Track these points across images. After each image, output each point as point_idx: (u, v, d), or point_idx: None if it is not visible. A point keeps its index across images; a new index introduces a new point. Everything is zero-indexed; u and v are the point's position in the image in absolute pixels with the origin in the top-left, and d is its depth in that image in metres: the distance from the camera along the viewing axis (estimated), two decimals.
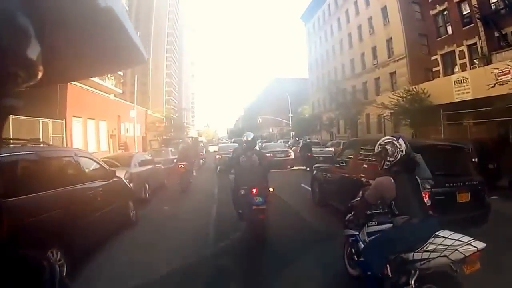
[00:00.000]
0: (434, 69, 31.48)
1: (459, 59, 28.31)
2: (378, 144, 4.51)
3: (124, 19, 0.70)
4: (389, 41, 40.09)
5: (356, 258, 5.02)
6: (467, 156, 9.21)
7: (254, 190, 7.77)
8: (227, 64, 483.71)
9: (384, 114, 29.66)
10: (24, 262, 0.79)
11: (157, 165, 16.00)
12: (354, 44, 49.02)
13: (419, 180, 4.42)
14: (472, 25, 26.64)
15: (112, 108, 32.26)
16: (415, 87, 26.35)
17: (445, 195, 6.74)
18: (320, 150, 25.93)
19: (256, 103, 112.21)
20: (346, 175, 9.51)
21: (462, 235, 3.73)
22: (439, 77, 29.77)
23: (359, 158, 9.42)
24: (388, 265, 4.08)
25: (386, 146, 4.37)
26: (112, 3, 0.65)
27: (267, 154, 16.19)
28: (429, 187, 6.51)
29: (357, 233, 5.01)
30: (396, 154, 4.30)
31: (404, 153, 4.30)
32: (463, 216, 6.44)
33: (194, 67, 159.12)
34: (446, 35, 29.72)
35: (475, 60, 26.94)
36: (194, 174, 19.54)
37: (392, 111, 27.68)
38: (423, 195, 4.76)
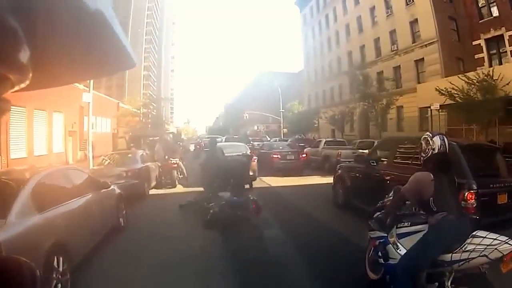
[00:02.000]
0: (476, 56, 26.89)
1: (509, 45, 24.41)
2: (420, 139, 4.60)
3: (114, 23, 0.70)
4: (413, 23, 34.40)
5: (383, 261, 4.80)
6: (502, 156, 8.41)
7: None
8: (208, 59, 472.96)
9: (433, 107, 23.34)
10: (5, 265, 0.80)
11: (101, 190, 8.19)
12: (365, 28, 43.11)
13: (456, 180, 4.53)
14: None
15: (72, 97, 22.07)
16: (489, 72, 20.44)
17: (488, 196, 6.63)
18: (353, 153, 19.03)
19: (239, 99, 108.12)
20: (380, 176, 9.21)
21: (498, 235, 3.85)
22: (483, 65, 25.16)
23: (397, 157, 9.33)
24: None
25: (422, 142, 4.51)
26: (102, 7, 0.65)
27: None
28: (475, 188, 6.39)
29: (386, 234, 4.87)
30: (427, 151, 4.40)
31: (436, 151, 4.36)
32: (503, 218, 6.49)
33: (174, 61, 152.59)
34: (491, 17, 25.56)
35: None
36: None
37: (453, 101, 21.52)
38: (470, 196, 5.86)
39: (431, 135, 4.51)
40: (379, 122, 31.16)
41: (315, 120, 49.87)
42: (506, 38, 24.48)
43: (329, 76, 52.73)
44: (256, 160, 17.35)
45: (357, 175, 10.62)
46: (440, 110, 23.84)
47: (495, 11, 25.29)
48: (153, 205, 12.50)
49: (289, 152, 21.78)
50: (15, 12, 0.56)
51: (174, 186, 15.86)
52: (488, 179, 7.00)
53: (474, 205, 6.13)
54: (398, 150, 9.56)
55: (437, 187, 4.15)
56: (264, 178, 17.94)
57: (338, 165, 12.74)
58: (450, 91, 21.02)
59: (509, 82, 19.02)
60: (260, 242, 7.97)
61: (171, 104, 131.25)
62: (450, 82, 21.40)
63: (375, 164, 9.75)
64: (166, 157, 16.66)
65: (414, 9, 33.93)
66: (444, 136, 4.50)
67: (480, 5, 26.37)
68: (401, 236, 4.60)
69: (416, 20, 33.85)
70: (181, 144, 31.55)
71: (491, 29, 25.46)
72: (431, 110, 24.08)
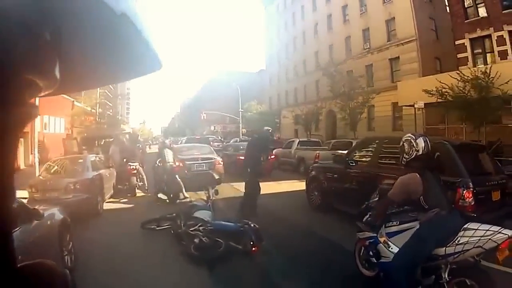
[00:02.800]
0: (459, 56, 26.27)
1: (497, 46, 23.93)
2: (401, 140, 4.75)
3: (139, 25, 0.69)
4: (389, 21, 33.49)
5: (375, 260, 4.87)
6: (489, 154, 8.78)
7: None
8: (164, 56, 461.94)
9: (417, 105, 22.08)
10: (37, 270, 0.81)
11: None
12: (335, 27, 41.75)
13: (440, 177, 4.66)
14: None
15: None
16: (485, 69, 19.56)
17: (484, 194, 6.78)
18: (332, 155, 16.75)
19: (197, 99, 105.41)
20: (362, 176, 9.17)
21: (490, 225, 3.97)
22: (466, 64, 24.59)
23: (381, 157, 9.15)
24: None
25: (405, 144, 4.61)
26: (127, 10, 0.65)
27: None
28: (471, 186, 6.51)
29: (375, 234, 4.95)
30: (411, 152, 4.53)
31: (420, 153, 4.49)
32: (497, 214, 6.71)
33: None
34: (478, 17, 25.17)
35: None
36: None
37: (441, 100, 20.72)
38: (467, 194, 6.05)
39: (414, 136, 4.64)
40: (354, 121, 29.92)
41: (277, 120, 48.87)
42: (494, 38, 24.09)
43: (294, 76, 51.57)
44: (222, 163, 16.15)
45: (335, 176, 10.35)
46: (417, 109, 23.29)
47: (482, 12, 24.95)
48: (109, 227, 9.65)
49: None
50: (42, 17, 0.56)
51: (134, 195, 13.76)
52: (483, 177, 7.25)
53: (472, 203, 6.27)
54: (382, 149, 9.28)
55: (426, 186, 4.28)
56: (234, 184, 15.86)
57: (311, 166, 12.57)
58: (441, 89, 20.24)
59: (508, 81, 17.94)
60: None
61: (127, 104, 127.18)
62: (440, 81, 20.50)
63: (353, 164, 9.64)
64: (125, 160, 14.67)
65: (392, 8, 33.02)
66: (426, 137, 4.65)
67: (466, 5, 25.98)
68: (391, 235, 4.70)
69: (393, 18, 32.90)
70: (140, 146, 28.59)
71: (478, 29, 25.04)
72: (415, 108, 22.95)
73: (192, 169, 14.99)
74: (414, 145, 4.49)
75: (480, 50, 25.41)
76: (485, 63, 23.42)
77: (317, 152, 19.98)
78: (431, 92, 20.47)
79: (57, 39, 0.62)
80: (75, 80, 0.81)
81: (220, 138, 46.73)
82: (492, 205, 6.93)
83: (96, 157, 13.29)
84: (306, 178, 12.06)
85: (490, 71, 18.82)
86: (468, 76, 19.39)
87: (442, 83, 20.07)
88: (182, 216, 7.76)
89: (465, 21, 25.81)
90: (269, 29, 62.30)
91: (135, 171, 14.10)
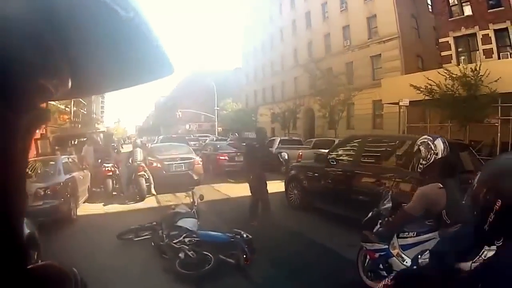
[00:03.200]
0: (443, 54, 26.46)
1: (482, 44, 24.01)
2: (415, 144, 4.21)
3: (148, 28, 0.67)
4: (371, 19, 32.93)
5: (386, 274, 4.23)
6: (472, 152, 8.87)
7: None
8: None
9: (402, 103, 21.74)
10: (47, 271, 0.82)
11: None
12: (314, 24, 40.90)
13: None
14: (502, 8, 22.90)
15: None
16: (474, 67, 19.11)
17: None
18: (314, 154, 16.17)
19: (172, 97, 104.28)
20: (346, 175, 9.06)
21: None
22: (450, 62, 24.70)
23: (365, 156, 9.25)
24: None
25: (420, 147, 4.04)
26: (136, 13, 0.63)
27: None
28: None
29: (386, 246, 4.38)
30: (429, 157, 3.96)
31: (439, 156, 3.93)
32: None
33: None
34: (463, 16, 25.31)
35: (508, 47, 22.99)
36: None
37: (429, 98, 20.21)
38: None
39: (431, 138, 4.06)
40: (334, 119, 29.52)
41: (254, 118, 47.95)
42: (479, 37, 24.13)
43: (271, 73, 50.75)
44: (201, 163, 15.48)
45: (316, 174, 10.22)
46: (401, 107, 23.45)
47: (467, 10, 25.03)
48: (83, 236, 8.56)
49: (238, 153, 18.96)
50: (53, 22, 0.57)
51: (110, 198, 12.68)
52: (466, 175, 6.97)
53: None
54: (365, 148, 9.33)
55: (450, 198, 3.74)
56: (215, 186, 15.26)
57: (291, 166, 12.30)
58: (430, 86, 19.85)
59: (498, 79, 17.60)
60: None
61: (102, 103, 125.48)
62: (427, 78, 20.13)
63: (335, 163, 9.47)
64: (99, 161, 13.78)
65: (373, 5, 32.46)
66: (444, 139, 4.12)
67: (451, 3, 26.00)
68: (406, 247, 4.19)
69: (375, 16, 32.33)
70: (115, 145, 27.11)
71: (462, 27, 25.04)
72: (400, 106, 22.80)
73: (170, 169, 14.28)
74: (432, 147, 3.96)
75: (464, 49, 25.47)
76: (470, 61, 23.08)
77: (300, 151, 19.39)
78: (420, 89, 19.98)
79: (68, 43, 0.61)
80: (86, 85, 0.79)
81: (197, 136, 45.27)
82: None
83: (69, 158, 12.15)
84: (285, 178, 11.79)
85: (479, 69, 18.48)
86: (456, 74, 19.03)
87: (430, 80, 19.66)
88: (164, 225, 6.71)
89: (449, 19, 25.83)
90: (246, 26, 61.40)
91: (110, 173, 13.06)
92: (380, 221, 4.58)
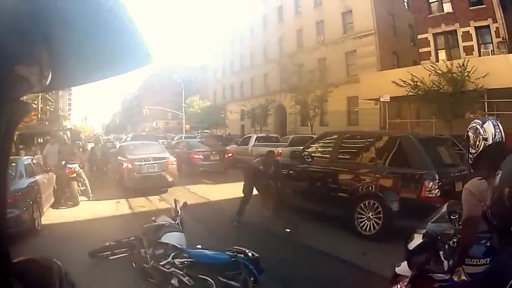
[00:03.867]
0: (421, 50, 26.40)
1: (463, 41, 24.07)
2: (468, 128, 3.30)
3: (128, 18, 0.71)
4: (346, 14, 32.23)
5: None
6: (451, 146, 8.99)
7: None
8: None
9: (382, 99, 20.92)
10: (31, 265, 0.84)
11: None
12: (287, 19, 39.94)
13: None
14: (484, 6, 23.06)
15: None
16: (463, 63, 18.74)
17: (449, 185, 6.96)
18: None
19: (138, 94, 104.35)
20: (322, 172, 8.99)
21: None
22: (429, 59, 24.38)
23: (341, 152, 9.17)
24: None
25: (469, 133, 3.14)
26: (116, 5, 0.67)
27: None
28: (437, 178, 6.72)
29: (447, 276, 3.13)
30: (478, 144, 3.06)
31: (489, 142, 3.00)
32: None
33: None
34: (443, 13, 25.37)
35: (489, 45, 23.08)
36: None
37: (411, 92, 19.85)
38: (433, 185, 6.04)
39: (480, 122, 3.09)
40: (308, 116, 28.87)
41: (223, 115, 46.97)
42: (459, 34, 24.10)
43: (240, 70, 49.54)
44: (175, 163, 14.20)
45: (291, 172, 9.86)
46: (381, 103, 23.01)
47: (447, 7, 24.99)
48: (49, 250, 6.87)
49: (213, 152, 18.31)
50: (31, 12, 0.57)
51: (76, 204, 11.25)
52: (447, 169, 7.52)
53: (438, 195, 6.38)
54: (342, 144, 9.23)
55: (495, 194, 2.83)
56: (190, 188, 14.13)
57: (255, 160, 11.51)
58: (416, 82, 19.51)
59: (485, 75, 17.44)
60: None
61: (69, 100, 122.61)
62: (411, 74, 19.87)
63: (310, 160, 9.47)
64: (63, 162, 11.95)
65: (348, 1, 31.59)
66: (497, 121, 3.15)
67: (430, 0, 25.97)
68: (473, 276, 3.05)
69: (350, 11, 31.67)
70: (81, 144, 25.14)
71: (442, 24, 24.93)
72: (380, 102, 22.26)
73: (142, 170, 12.97)
74: (482, 132, 3.09)
75: (443, 45, 25.40)
76: (450, 58, 23.03)
77: (279, 149, 17.70)
78: (406, 84, 19.54)
79: (47, 35, 0.61)
80: (66, 76, 0.79)
81: (164, 134, 44.06)
82: (456, 196, 5.86)
83: (32, 159, 10.52)
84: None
85: (467, 65, 18.18)
86: (441, 70, 18.85)
87: (414, 76, 19.38)
88: (145, 242, 5.26)
89: (429, 16, 25.82)
90: (214, 21, 59.81)
91: (75, 174, 11.56)
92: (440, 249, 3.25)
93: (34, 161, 10.35)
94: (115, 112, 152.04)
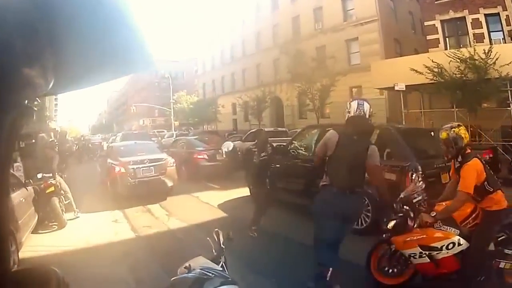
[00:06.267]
0: (429, 37, 25.06)
1: (472, 29, 22.76)
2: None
3: (131, 22, 0.73)
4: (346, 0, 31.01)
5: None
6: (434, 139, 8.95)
7: None
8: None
9: (398, 87, 19.47)
10: (31, 275, 0.84)
11: None
12: (282, 6, 38.07)
13: None
14: None
15: None
16: (488, 49, 17.66)
17: (434, 177, 7.07)
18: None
19: (123, 92, 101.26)
20: (305, 166, 8.94)
21: None
22: (437, 46, 23.85)
23: None
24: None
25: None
26: (122, 10, 0.70)
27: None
28: (420, 170, 6.72)
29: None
30: (345, 115, 4.78)
31: (351, 114, 4.69)
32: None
33: None
34: None
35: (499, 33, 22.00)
36: None
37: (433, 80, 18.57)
38: (417, 177, 5.38)
39: (350, 100, 4.96)
40: (317, 107, 27.30)
41: (213, 110, 44.45)
42: (469, 21, 22.87)
43: (230, 61, 47.63)
44: (174, 165, 12.72)
45: (278, 166, 9.60)
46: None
47: None
48: None
49: (220, 151, 15.08)
50: (37, 14, 0.57)
51: (62, 227, 8.79)
52: (431, 160, 7.49)
53: (422, 187, 5.68)
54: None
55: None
56: (197, 195, 12.17)
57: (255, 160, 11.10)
58: (441, 68, 18.24)
59: (510, 62, 16.37)
60: None
61: (56, 100, 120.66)
62: (432, 60, 18.56)
63: (295, 154, 9.75)
64: (39, 175, 9.29)
65: None
66: (363, 101, 4.79)
67: None
68: None
69: None
70: (69, 146, 23.33)
71: (450, 10, 23.68)
72: (399, 91, 20.69)
73: (137, 175, 11.43)
74: (347, 107, 4.76)
75: (452, 33, 24.38)
76: (459, 46, 21.85)
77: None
78: (428, 71, 18.35)
79: (51, 37, 0.61)
80: (70, 80, 0.78)
81: (155, 132, 41.85)
82: (443, 187, 6.43)
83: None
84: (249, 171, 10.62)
85: (490, 52, 17.15)
86: (463, 56, 17.70)
87: (434, 62, 18.20)
88: None
89: (436, 2, 24.51)
90: (200, 10, 57.01)
91: (53, 188, 9.01)
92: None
93: (11, 173, 7.63)
94: (101, 112, 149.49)
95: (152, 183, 11.49)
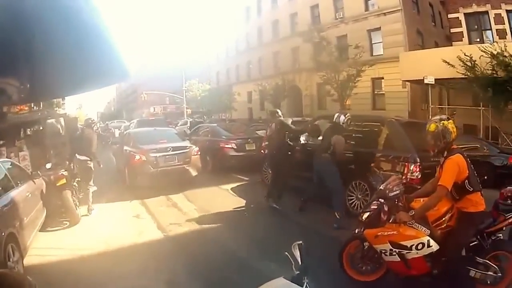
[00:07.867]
0: (452, 30, 25.48)
1: (495, 24, 23.02)
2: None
3: (107, 36, 0.73)
4: None
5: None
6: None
7: None
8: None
9: (427, 80, 19.08)
10: (1, 280, 0.83)
11: None
12: None
13: None
14: None
15: None
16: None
17: (430, 169, 7.06)
18: None
19: (135, 79, 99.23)
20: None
21: None
22: (461, 40, 24.09)
23: None
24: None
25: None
26: (94, 21, 0.69)
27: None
28: (419, 161, 7.20)
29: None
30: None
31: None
32: None
33: None
34: None
35: None
36: None
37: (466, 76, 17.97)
38: (415, 168, 6.71)
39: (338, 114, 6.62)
40: (341, 97, 26.65)
41: (228, 98, 43.77)
42: (492, 16, 23.06)
43: (246, 49, 46.78)
44: (198, 153, 12.13)
45: (289, 153, 9.73)
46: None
47: None
48: None
49: (249, 140, 14.48)
50: (14, 28, 0.58)
51: (76, 223, 8.02)
52: (428, 153, 6.72)
53: (419, 177, 6.94)
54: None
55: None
56: (226, 187, 11.57)
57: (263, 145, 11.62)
58: (474, 61, 17.64)
59: None
60: None
61: None
62: (464, 53, 17.90)
63: (307, 142, 9.92)
64: (48, 165, 8.89)
65: None
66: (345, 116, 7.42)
67: None
68: None
69: None
70: (78, 132, 20.79)
71: (473, 4, 23.90)
72: (428, 84, 20.09)
73: (159, 164, 10.95)
74: (336, 117, 7.42)
75: (475, 27, 24.32)
76: (482, 41, 21.81)
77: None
78: (461, 65, 17.85)
79: (28, 49, 0.62)
80: (46, 89, 0.79)
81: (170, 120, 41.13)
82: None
83: (10, 162, 7.64)
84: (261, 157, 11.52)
85: None
86: (496, 51, 17.07)
87: (467, 55, 17.72)
88: None
89: None
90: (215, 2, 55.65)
91: (64, 180, 8.05)
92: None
93: (10, 166, 7.16)
94: (109, 100, 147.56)
95: (175, 173, 11.07)
